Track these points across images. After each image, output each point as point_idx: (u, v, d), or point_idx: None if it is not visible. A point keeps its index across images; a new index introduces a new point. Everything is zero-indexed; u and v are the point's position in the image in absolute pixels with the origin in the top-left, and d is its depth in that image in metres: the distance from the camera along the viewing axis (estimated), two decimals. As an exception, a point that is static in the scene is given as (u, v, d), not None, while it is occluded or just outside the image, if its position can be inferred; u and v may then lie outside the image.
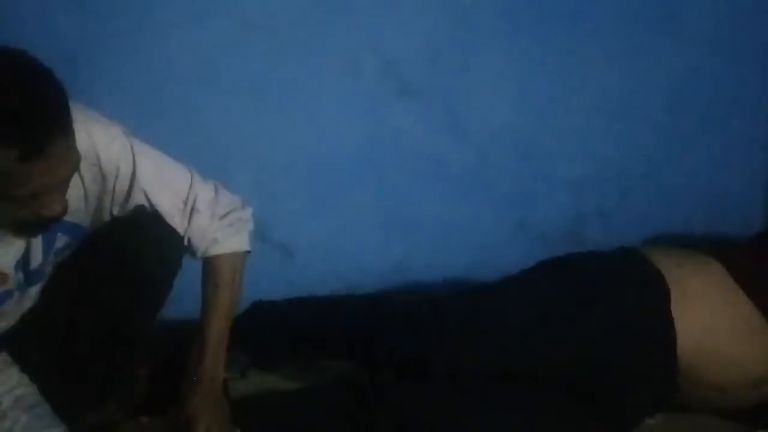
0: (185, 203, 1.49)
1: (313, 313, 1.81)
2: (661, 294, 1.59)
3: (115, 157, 1.41)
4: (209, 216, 1.50)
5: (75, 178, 1.30)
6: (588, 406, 1.58)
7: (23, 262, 1.36)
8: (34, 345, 1.41)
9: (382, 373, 1.64)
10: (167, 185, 1.48)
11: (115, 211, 1.46)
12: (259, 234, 1.85)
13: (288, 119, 1.91)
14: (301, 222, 1.95)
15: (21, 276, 1.38)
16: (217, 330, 1.49)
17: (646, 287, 1.62)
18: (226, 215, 1.52)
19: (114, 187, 1.42)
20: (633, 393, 1.59)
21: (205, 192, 1.51)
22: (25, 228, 1.28)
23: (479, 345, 1.62)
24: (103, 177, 1.41)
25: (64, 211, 1.27)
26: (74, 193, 1.35)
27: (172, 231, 1.49)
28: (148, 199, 1.46)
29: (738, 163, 2.20)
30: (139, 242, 1.44)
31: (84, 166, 1.34)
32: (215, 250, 1.51)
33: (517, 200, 2.10)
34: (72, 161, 1.23)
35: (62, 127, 1.20)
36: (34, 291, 1.43)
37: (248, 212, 1.56)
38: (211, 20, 1.82)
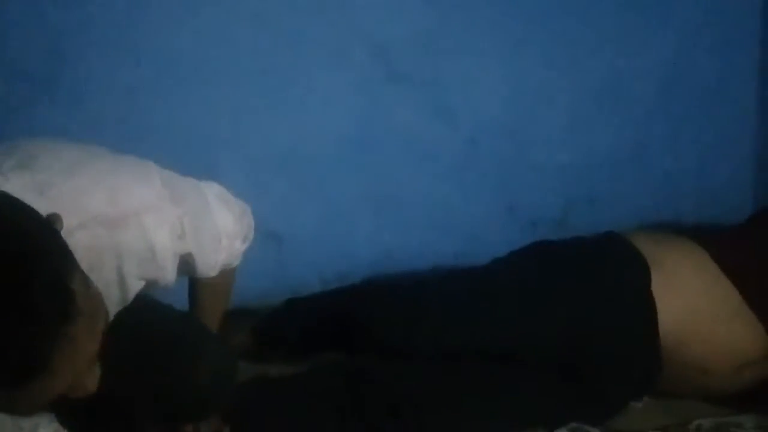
0: (220, 239, 1.37)
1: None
2: (642, 274, 1.61)
3: (170, 242, 1.21)
4: (235, 237, 1.42)
5: (110, 277, 1.13)
6: (574, 387, 1.60)
7: None
8: None
9: (368, 357, 1.65)
10: (207, 235, 1.33)
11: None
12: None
13: (277, 106, 1.91)
14: (290, 210, 1.95)
15: None
16: (210, 325, 1.49)
17: (627, 268, 1.64)
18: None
19: (163, 275, 1.24)
20: (617, 373, 1.60)
21: (224, 214, 1.39)
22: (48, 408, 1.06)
23: (463, 324, 1.64)
24: (159, 268, 1.22)
25: (99, 380, 0.97)
26: (110, 298, 1.14)
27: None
28: (192, 263, 1.31)
29: (727, 150, 2.21)
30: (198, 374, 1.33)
31: (130, 264, 1.17)
32: (230, 266, 1.46)
33: (507, 186, 2.11)
34: (95, 338, 0.90)
35: (66, 313, 0.85)
36: None
37: (251, 217, 1.48)
38: (200, 10, 1.81)
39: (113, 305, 1.20)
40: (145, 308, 1.32)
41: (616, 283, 1.63)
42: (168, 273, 1.24)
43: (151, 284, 1.25)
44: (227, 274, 1.47)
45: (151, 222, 1.18)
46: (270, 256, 1.94)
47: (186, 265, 1.31)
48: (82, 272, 0.90)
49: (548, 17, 2.02)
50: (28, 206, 0.91)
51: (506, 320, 1.63)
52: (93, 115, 1.78)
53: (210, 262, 1.35)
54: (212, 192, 1.40)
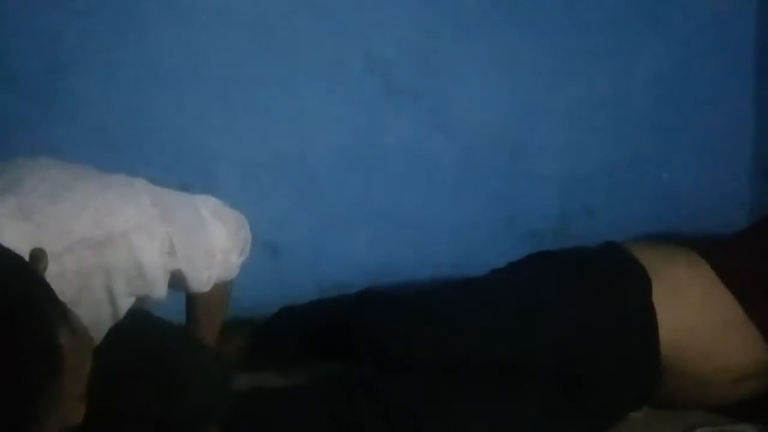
0: (214, 255, 1.36)
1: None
2: (643, 285, 1.61)
3: (159, 259, 1.22)
4: (232, 251, 1.40)
5: (100, 296, 1.15)
6: (573, 398, 1.59)
7: None
8: None
9: (367, 367, 1.65)
10: (198, 250, 1.31)
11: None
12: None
13: (274, 118, 1.91)
14: (287, 221, 1.95)
15: None
16: (206, 337, 1.49)
17: (628, 279, 1.64)
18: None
19: (154, 291, 1.24)
20: (617, 384, 1.60)
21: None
22: None
23: (463, 334, 1.64)
24: (149, 285, 1.22)
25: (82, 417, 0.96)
26: (101, 315, 1.18)
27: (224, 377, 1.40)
28: (183, 278, 1.29)
29: (724, 160, 2.21)
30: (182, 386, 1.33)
31: (119, 282, 1.18)
32: (226, 280, 1.44)
33: (504, 198, 2.10)
34: (75, 393, 0.89)
35: (51, 368, 0.85)
36: None
37: (248, 231, 1.46)
38: (198, 20, 1.82)
39: (105, 322, 1.20)
40: (137, 324, 1.31)
41: (616, 294, 1.63)
42: (158, 289, 1.24)
43: (142, 300, 1.25)
44: (223, 288, 1.47)
45: (139, 241, 1.18)
46: (267, 267, 1.94)
47: (178, 281, 1.30)
48: (68, 317, 0.88)
49: (544, 29, 2.03)
50: (8, 252, 0.89)
51: (506, 330, 1.63)
52: (90, 126, 1.79)
53: (202, 278, 1.34)
54: (207, 206, 1.38)
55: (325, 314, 1.79)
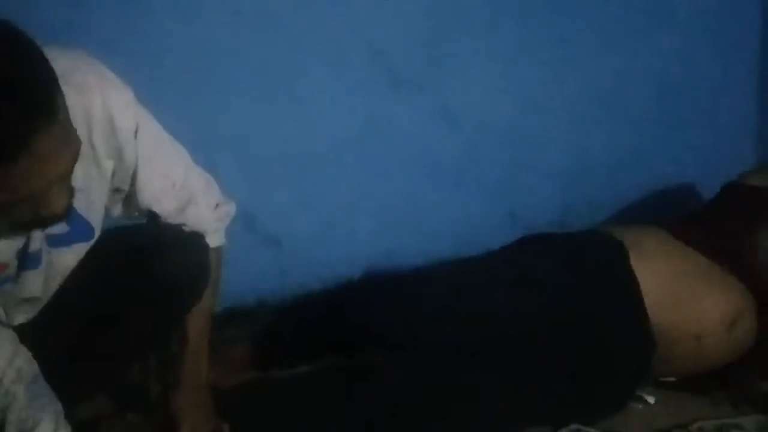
0: (175, 187, 1.39)
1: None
2: (621, 254, 1.72)
3: (130, 123, 1.28)
4: (204, 206, 1.43)
5: (85, 152, 1.16)
6: (573, 380, 1.62)
7: (23, 249, 1.25)
8: (41, 326, 1.33)
9: (365, 353, 1.66)
10: (160, 163, 1.36)
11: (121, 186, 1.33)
12: (249, 225, 1.86)
13: (278, 109, 1.91)
14: (290, 213, 1.95)
15: (16, 261, 1.26)
16: (199, 327, 1.46)
17: (607, 250, 1.76)
18: (217, 206, 1.47)
19: (127, 152, 1.29)
20: (614, 354, 1.65)
21: (198, 180, 1.43)
22: (24, 228, 1.15)
23: (459, 312, 1.67)
24: (121, 146, 1.28)
25: (68, 208, 1.11)
26: (82, 172, 1.22)
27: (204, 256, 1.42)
28: (134, 174, 1.33)
29: (726, 154, 2.22)
30: (166, 260, 1.36)
31: (98, 135, 1.24)
32: (198, 229, 1.43)
33: (507, 190, 2.12)
34: (68, 153, 1.04)
35: (49, 112, 1.00)
36: (30, 275, 1.30)
37: (233, 207, 1.49)
38: (202, 12, 1.82)
39: (93, 181, 1.27)
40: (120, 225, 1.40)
41: (600, 263, 1.73)
42: (129, 155, 1.29)
43: (117, 164, 1.29)
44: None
45: (112, 97, 1.25)
46: (270, 260, 1.94)
47: (131, 196, 1.34)
48: (65, 106, 1.03)
49: (547, 22, 2.03)
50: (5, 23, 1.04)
51: (501, 307, 1.68)
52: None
53: (154, 193, 1.36)
54: (196, 167, 1.42)
55: (323, 307, 1.80)
